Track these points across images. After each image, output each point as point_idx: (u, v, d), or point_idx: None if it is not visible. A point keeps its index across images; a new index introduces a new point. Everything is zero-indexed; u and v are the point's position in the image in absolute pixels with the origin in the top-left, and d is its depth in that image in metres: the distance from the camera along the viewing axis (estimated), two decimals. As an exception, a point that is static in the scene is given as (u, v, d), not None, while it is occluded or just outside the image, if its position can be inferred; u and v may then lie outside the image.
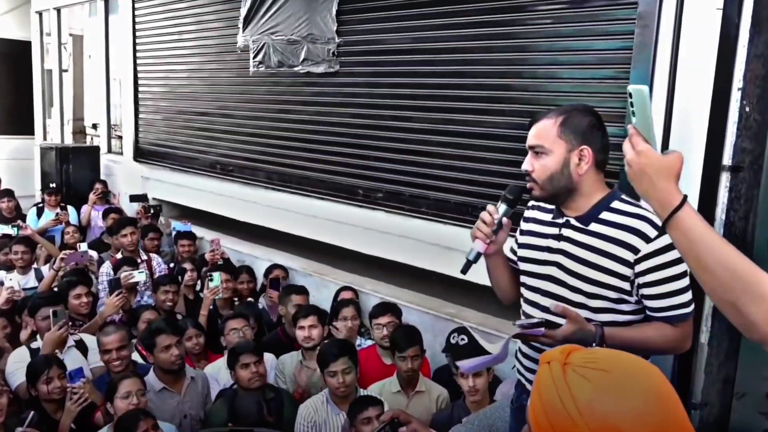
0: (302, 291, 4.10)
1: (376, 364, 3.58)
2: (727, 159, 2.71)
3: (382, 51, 4.26)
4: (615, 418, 0.90)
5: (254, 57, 5.24)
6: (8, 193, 6.75)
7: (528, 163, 1.78)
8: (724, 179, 2.72)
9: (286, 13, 4.92)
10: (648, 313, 1.74)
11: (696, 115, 2.75)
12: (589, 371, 0.94)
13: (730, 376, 2.93)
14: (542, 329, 1.63)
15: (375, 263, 4.57)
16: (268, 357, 3.56)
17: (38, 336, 3.47)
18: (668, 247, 1.67)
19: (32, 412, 2.63)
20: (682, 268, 1.69)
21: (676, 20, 2.79)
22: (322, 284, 4.76)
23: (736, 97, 2.67)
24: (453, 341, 3.35)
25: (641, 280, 1.69)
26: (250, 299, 4.63)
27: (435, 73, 3.94)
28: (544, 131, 1.75)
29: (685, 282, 1.71)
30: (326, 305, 4.33)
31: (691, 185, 2.78)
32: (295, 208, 5.04)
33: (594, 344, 1.63)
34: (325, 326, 3.62)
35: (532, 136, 1.78)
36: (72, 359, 3.36)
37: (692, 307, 1.73)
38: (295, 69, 4.86)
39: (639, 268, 1.68)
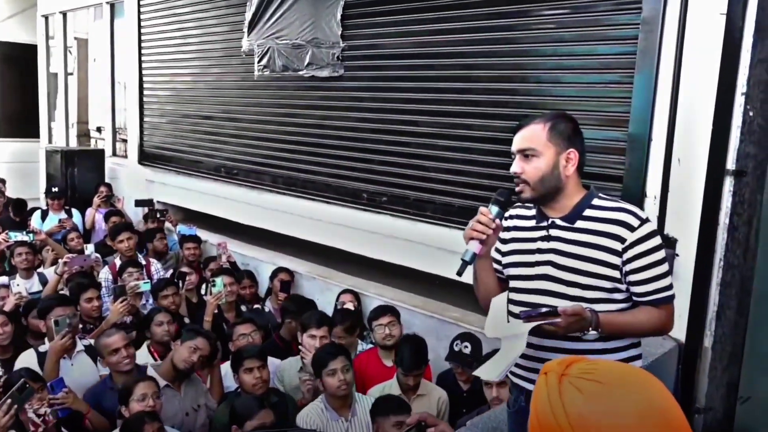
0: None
1: (376, 367, 3.57)
2: (730, 163, 2.72)
3: (387, 55, 4.28)
4: (606, 430, 0.88)
5: (259, 61, 5.27)
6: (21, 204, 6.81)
7: (517, 166, 1.87)
8: (728, 184, 2.73)
9: (290, 18, 4.95)
10: (635, 298, 1.84)
11: (700, 119, 2.76)
12: (583, 382, 0.93)
13: (734, 380, 2.93)
14: (558, 319, 1.69)
15: (379, 267, 4.58)
16: (272, 361, 3.56)
17: (46, 339, 3.46)
18: (650, 235, 1.80)
19: (22, 380, 2.61)
20: (662, 254, 1.82)
21: (679, 25, 2.81)
22: (326, 287, 4.77)
23: (739, 102, 2.69)
24: (456, 348, 3.35)
25: (628, 267, 1.80)
26: (257, 306, 4.63)
27: (439, 77, 3.96)
28: (535, 135, 1.85)
29: (666, 267, 1.83)
30: (330, 308, 4.35)
31: (695, 190, 2.79)
32: (300, 211, 5.06)
33: (590, 329, 1.73)
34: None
35: (522, 140, 1.87)
36: (81, 364, 3.37)
37: (673, 290, 1.85)
38: (300, 73, 4.88)
39: (626, 256, 1.79)
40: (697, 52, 2.78)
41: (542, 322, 1.70)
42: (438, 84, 3.97)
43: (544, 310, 1.72)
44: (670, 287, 1.83)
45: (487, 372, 1.85)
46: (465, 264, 1.85)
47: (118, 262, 4.85)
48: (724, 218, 2.75)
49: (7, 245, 4.76)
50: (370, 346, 3.83)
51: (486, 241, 1.86)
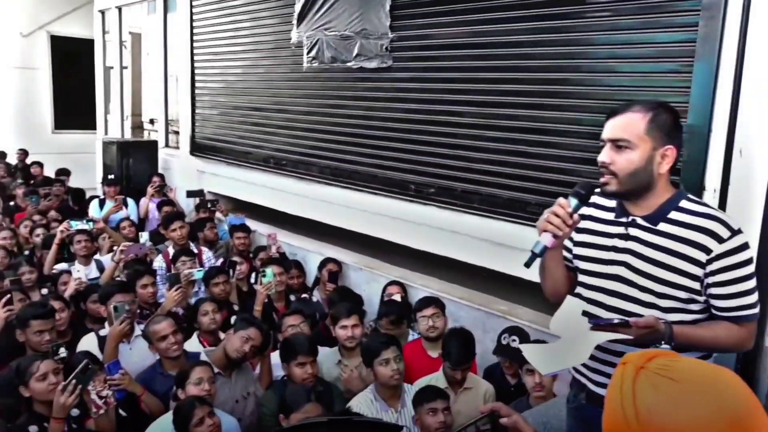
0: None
1: (421, 358, 3.57)
2: (796, 155, 2.60)
3: (435, 46, 4.24)
4: (672, 430, 0.87)
5: (308, 53, 5.30)
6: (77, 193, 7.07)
7: (607, 156, 1.74)
8: (793, 176, 2.61)
9: (339, 9, 4.96)
10: (714, 312, 1.72)
11: (763, 109, 2.65)
12: (659, 378, 0.92)
13: (797, 381, 2.81)
14: (629, 336, 1.61)
15: (425, 258, 4.57)
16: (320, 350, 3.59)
17: (106, 323, 3.59)
18: (740, 248, 1.66)
19: (85, 361, 2.69)
20: (751, 269, 1.69)
21: (744, 11, 2.69)
22: (372, 278, 4.79)
23: (807, 90, 2.56)
24: (504, 342, 3.32)
25: (712, 279, 1.67)
26: (305, 295, 4.69)
27: (489, 67, 3.90)
28: (631, 125, 1.71)
29: (753, 283, 1.70)
30: (377, 299, 4.37)
31: (758, 182, 2.68)
32: (347, 202, 5.08)
33: (663, 342, 1.63)
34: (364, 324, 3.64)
35: (616, 128, 1.73)
36: (139, 349, 3.47)
37: (758, 308, 1.72)
38: (348, 64, 4.90)
39: (710, 268, 1.66)
40: (761, 38, 2.66)
41: (612, 334, 1.62)
42: (487, 74, 3.92)
43: (615, 320, 1.64)
44: (755, 305, 1.70)
45: (539, 363, 1.74)
46: (534, 256, 1.76)
47: (171, 250, 4.98)
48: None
49: (69, 234, 4.93)
50: (418, 335, 3.83)
51: (560, 235, 1.75)
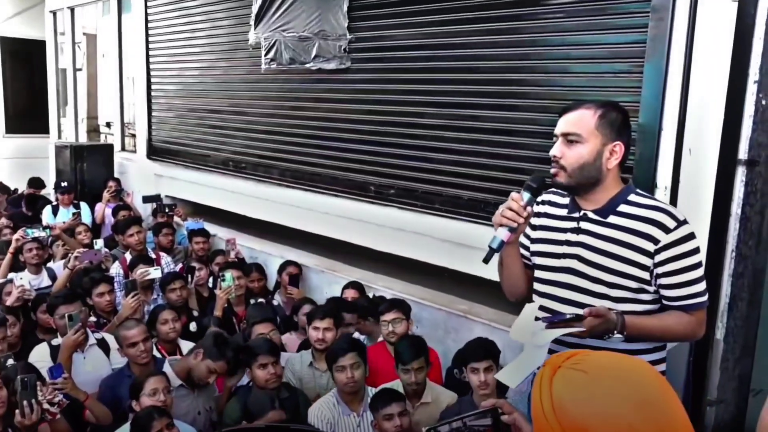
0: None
1: (386, 360, 3.56)
2: (742, 153, 2.68)
3: (394, 47, 4.25)
4: (583, 419, 0.92)
5: (266, 54, 5.25)
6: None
7: (558, 150, 1.79)
8: (740, 173, 2.70)
9: (297, 10, 4.93)
10: (665, 302, 1.77)
11: (711, 108, 2.73)
12: (572, 372, 0.97)
13: (746, 372, 2.90)
14: (582, 328, 1.63)
15: (387, 260, 4.57)
16: (283, 354, 3.55)
17: (59, 333, 3.48)
18: (687, 238, 1.72)
19: (18, 377, 2.58)
20: (698, 258, 1.75)
21: (690, 13, 2.76)
22: (334, 281, 4.77)
23: (752, 90, 2.65)
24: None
25: (660, 269, 1.73)
26: (261, 300, 4.63)
27: (447, 68, 3.93)
28: (582, 121, 1.77)
29: (701, 272, 1.76)
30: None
31: (707, 180, 2.75)
32: (308, 205, 5.05)
33: (615, 332, 1.67)
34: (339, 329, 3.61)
35: (569, 123, 1.79)
36: (93, 358, 3.38)
37: (707, 296, 1.78)
38: (307, 66, 4.87)
39: (658, 258, 1.72)
40: (708, 39, 2.73)
41: (565, 329, 1.64)
42: (445, 75, 3.94)
43: (567, 316, 1.67)
44: (703, 293, 1.76)
45: (507, 377, 1.77)
46: (492, 251, 1.78)
47: (128, 256, 4.87)
48: (736, 209, 2.71)
49: (24, 242, 4.75)
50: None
51: (515, 229, 1.78)
